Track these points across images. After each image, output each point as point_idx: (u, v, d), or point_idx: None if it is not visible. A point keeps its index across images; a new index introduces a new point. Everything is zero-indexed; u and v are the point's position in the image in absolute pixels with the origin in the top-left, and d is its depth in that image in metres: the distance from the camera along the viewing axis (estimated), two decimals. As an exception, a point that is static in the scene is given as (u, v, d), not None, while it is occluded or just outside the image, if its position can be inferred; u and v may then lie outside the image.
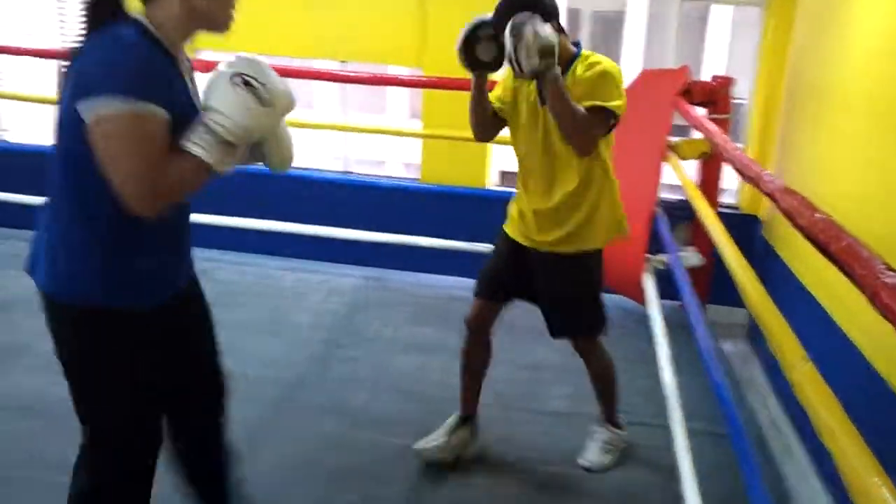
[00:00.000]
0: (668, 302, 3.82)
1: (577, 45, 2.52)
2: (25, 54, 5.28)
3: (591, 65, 2.39)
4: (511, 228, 2.71)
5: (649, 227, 3.82)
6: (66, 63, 1.52)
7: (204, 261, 4.81)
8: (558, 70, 2.23)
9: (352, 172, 5.30)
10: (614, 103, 2.33)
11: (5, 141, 5.60)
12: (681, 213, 4.10)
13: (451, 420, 2.86)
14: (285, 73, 5.00)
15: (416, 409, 3.18)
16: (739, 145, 4.71)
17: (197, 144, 1.50)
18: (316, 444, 2.92)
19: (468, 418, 2.87)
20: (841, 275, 1.27)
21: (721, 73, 4.39)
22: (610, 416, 2.92)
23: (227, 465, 2.07)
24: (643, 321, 3.62)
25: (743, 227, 4.21)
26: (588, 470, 2.83)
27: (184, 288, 1.85)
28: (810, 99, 3.61)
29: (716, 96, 4.09)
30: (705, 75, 4.29)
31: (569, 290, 2.65)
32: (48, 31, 5.66)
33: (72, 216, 1.56)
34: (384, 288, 4.62)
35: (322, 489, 2.68)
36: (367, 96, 12.57)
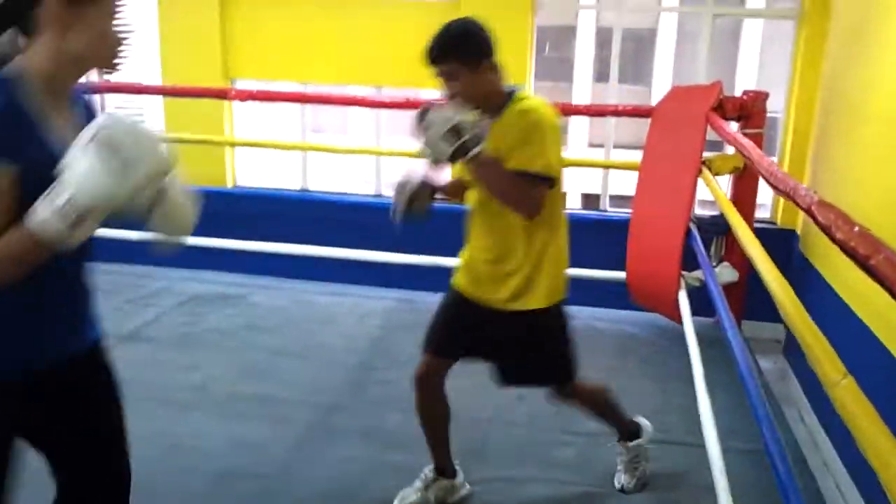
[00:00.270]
0: (704, 319, 3.77)
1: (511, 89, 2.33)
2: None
3: (523, 112, 2.19)
4: (460, 281, 2.55)
5: (683, 243, 3.78)
6: None
7: (237, 286, 4.92)
8: (477, 149, 2.08)
9: (384, 196, 5.34)
10: (538, 167, 2.14)
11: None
12: (715, 228, 4.06)
13: (427, 472, 2.71)
14: (320, 99, 5.10)
15: (452, 430, 3.16)
16: (773, 159, 4.66)
17: (36, 214, 1.27)
18: (351, 468, 2.92)
19: (444, 470, 2.71)
20: (880, 288, 1.25)
21: (754, 87, 4.35)
22: (623, 433, 2.82)
23: None
24: (679, 339, 3.58)
25: (779, 241, 4.15)
26: (622, 491, 2.79)
27: (81, 357, 1.63)
28: (845, 112, 3.56)
29: (749, 111, 4.05)
30: (738, 90, 4.26)
31: (531, 348, 2.46)
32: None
33: None
34: (416, 310, 4.62)
35: (357, 512, 2.68)
36: (400, 120, 12.71)
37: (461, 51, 2.19)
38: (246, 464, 2.89)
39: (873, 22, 3.28)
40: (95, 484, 1.72)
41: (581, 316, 4.46)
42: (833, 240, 1.48)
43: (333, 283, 4.96)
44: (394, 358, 3.90)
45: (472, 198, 2.43)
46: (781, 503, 1.92)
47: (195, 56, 5.12)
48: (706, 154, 3.96)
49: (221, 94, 4.95)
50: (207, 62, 5.08)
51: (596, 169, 5.22)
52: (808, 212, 1.68)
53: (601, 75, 13.81)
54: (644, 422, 2.87)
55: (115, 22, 1.46)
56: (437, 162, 2.16)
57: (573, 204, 13.98)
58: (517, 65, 4.78)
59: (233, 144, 5.28)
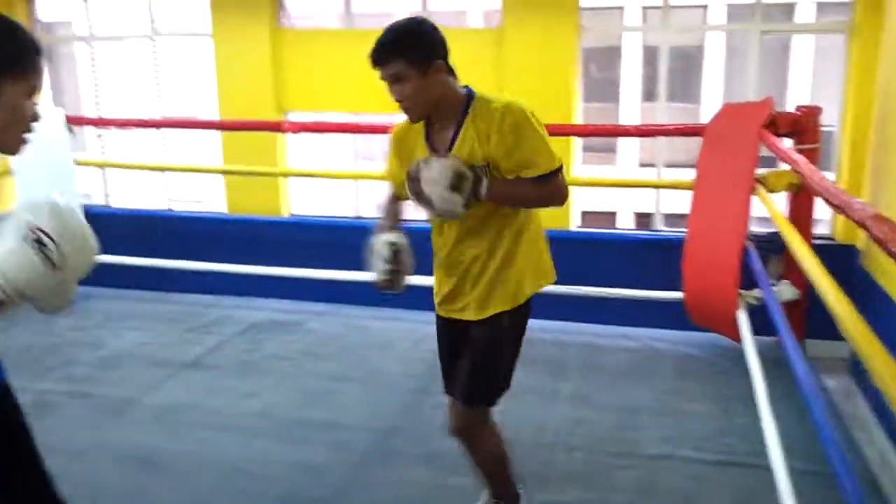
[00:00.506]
0: (765, 338, 3.70)
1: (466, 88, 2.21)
2: (126, 125, 5.66)
3: (500, 112, 2.06)
4: (437, 304, 2.45)
5: (741, 261, 3.74)
6: None
7: (294, 313, 5.02)
8: (484, 186, 2.03)
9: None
10: (548, 165, 2.07)
11: (110, 206, 5.97)
12: (773, 245, 3.99)
13: (486, 498, 2.58)
14: (370, 129, 5.20)
15: (512, 455, 3.16)
16: (829, 174, 4.58)
17: None
18: (410, 492, 2.95)
19: (502, 497, 2.59)
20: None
21: (806, 102, 4.30)
22: (500, 495, 2.53)
23: None
24: (738, 359, 3.53)
25: (840, 257, 4.06)
26: None
27: None
28: (903, 123, 3.49)
29: (802, 126, 4.00)
30: (790, 105, 4.21)
31: (477, 350, 2.32)
32: (146, 102, 6.04)
33: None
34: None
35: (418, 536, 2.69)
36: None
37: (409, 50, 2.02)
38: (306, 488, 2.93)
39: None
40: None
41: (639, 337, 4.44)
42: (889, 254, 1.47)
43: (387, 308, 5.01)
44: (450, 382, 3.91)
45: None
46: (852, 525, 1.88)
47: (250, 91, 5.27)
48: (761, 171, 3.91)
49: (275, 127, 5.09)
50: (261, 96, 5.24)
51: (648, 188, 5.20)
52: (863, 226, 1.67)
53: (649, 94, 13.80)
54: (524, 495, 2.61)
55: (30, 102, 1.40)
56: (452, 217, 2.10)
57: (626, 224, 13.88)
58: (564, 88, 4.80)
59: (287, 175, 5.40)
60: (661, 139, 5.17)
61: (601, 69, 14.37)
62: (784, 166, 3.96)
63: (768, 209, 3.46)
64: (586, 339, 4.44)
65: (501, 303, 2.25)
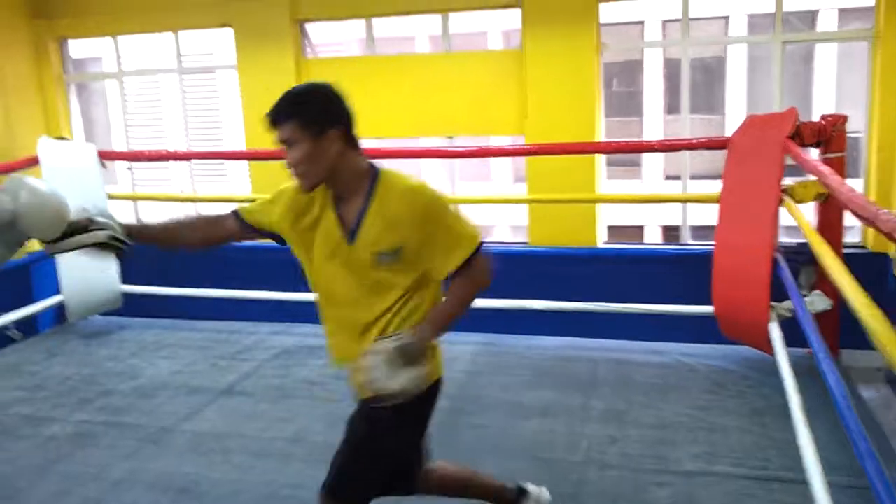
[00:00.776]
0: (797, 350, 3.66)
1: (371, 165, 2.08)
2: (156, 158, 5.78)
3: (408, 195, 1.97)
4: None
5: (771, 273, 3.71)
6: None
7: (324, 337, 5.01)
8: (416, 343, 1.93)
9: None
10: (470, 237, 1.98)
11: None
12: (803, 256, 3.96)
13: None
14: (395, 153, 5.26)
15: (546, 474, 3.15)
16: (857, 181, 4.54)
17: None
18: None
19: (502, 499, 2.56)
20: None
21: (831, 109, 4.27)
22: None
23: None
24: (772, 372, 3.49)
25: (872, 266, 4.02)
26: None
27: None
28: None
29: (828, 135, 3.97)
30: (815, 113, 4.19)
31: (352, 432, 2.20)
32: (174, 134, 6.16)
33: None
34: (501, 353, 4.65)
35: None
36: (472, 165, 12.88)
37: (302, 114, 1.94)
38: (343, 512, 2.94)
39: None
40: None
41: (669, 352, 4.41)
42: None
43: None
44: (483, 402, 3.92)
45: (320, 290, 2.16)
46: (892, 539, 1.86)
47: (276, 120, 5.36)
48: (788, 181, 3.89)
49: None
50: (287, 125, 5.33)
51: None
52: (892, 238, 1.66)
53: (672, 107, 13.76)
54: None
55: None
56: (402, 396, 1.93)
57: (653, 237, 13.80)
58: (586, 104, 4.83)
59: (314, 201, 5.47)
60: (687, 151, 5.16)
61: (623, 83, 14.38)
62: (812, 176, 3.94)
63: (797, 220, 3.44)
64: (616, 356, 4.42)
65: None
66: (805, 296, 3.79)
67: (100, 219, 2.08)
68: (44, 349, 4.92)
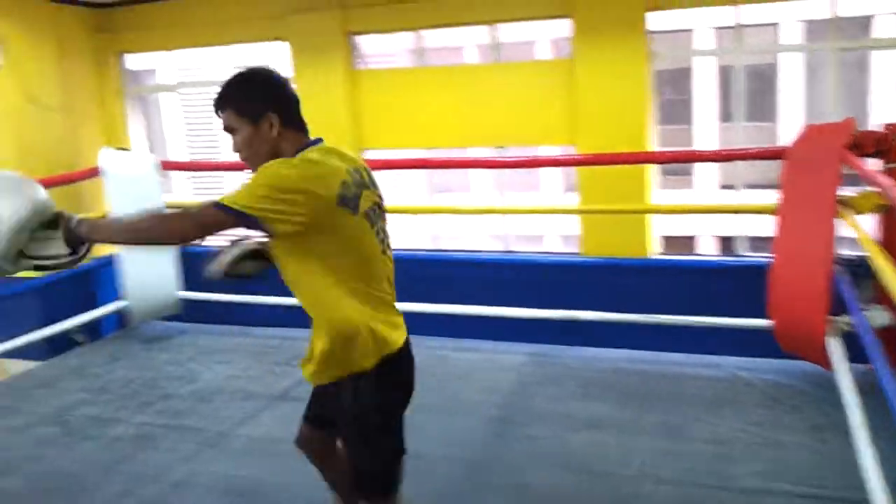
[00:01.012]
0: (857, 365, 3.58)
1: (314, 141, 2.10)
2: (214, 168, 5.92)
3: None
4: None
5: (829, 286, 3.64)
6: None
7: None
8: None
9: (513, 251, 5.44)
10: (229, 196, 1.87)
11: (199, 245, 6.22)
12: (863, 269, 3.87)
13: None
14: (444, 164, 5.31)
15: (599, 488, 3.15)
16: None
17: None
18: (497, 523, 2.96)
19: None
20: None
21: (888, 118, 4.17)
22: None
23: None
24: (830, 387, 3.42)
25: (936, 280, 3.90)
26: None
27: None
28: None
29: (888, 144, 3.88)
30: (872, 119, 4.09)
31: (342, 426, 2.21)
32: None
33: None
34: (551, 364, 4.64)
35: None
36: (521, 175, 12.88)
37: (236, 101, 2.00)
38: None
39: None
40: None
41: (724, 366, 4.35)
42: None
43: (466, 338, 5.06)
44: (534, 413, 3.92)
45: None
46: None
47: (328, 131, 5.41)
48: (848, 192, 3.81)
49: (354, 165, 5.24)
50: (339, 136, 5.40)
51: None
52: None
53: (724, 114, 13.55)
54: None
55: None
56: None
57: (707, 248, 13.60)
58: (637, 114, 4.80)
59: (366, 210, 5.54)
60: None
61: (675, 91, 14.22)
62: (872, 187, 3.85)
63: (856, 232, 3.37)
64: (670, 369, 4.38)
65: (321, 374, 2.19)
66: (865, 310, 3.70)
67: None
68: (107, 353, 5.08)
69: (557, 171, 14.67)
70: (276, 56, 5.88)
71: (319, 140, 2.11)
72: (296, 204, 1.86)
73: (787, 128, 12.10)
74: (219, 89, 2.04)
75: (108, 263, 5.40)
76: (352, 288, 2.04)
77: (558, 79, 4.98)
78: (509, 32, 5.34)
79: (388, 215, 2.21)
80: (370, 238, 2.08)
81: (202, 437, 3.81)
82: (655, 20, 4.79)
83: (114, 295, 5.33)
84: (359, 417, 2.12)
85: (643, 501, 3.03)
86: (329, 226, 1.95)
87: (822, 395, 3.79)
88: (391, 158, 5.59)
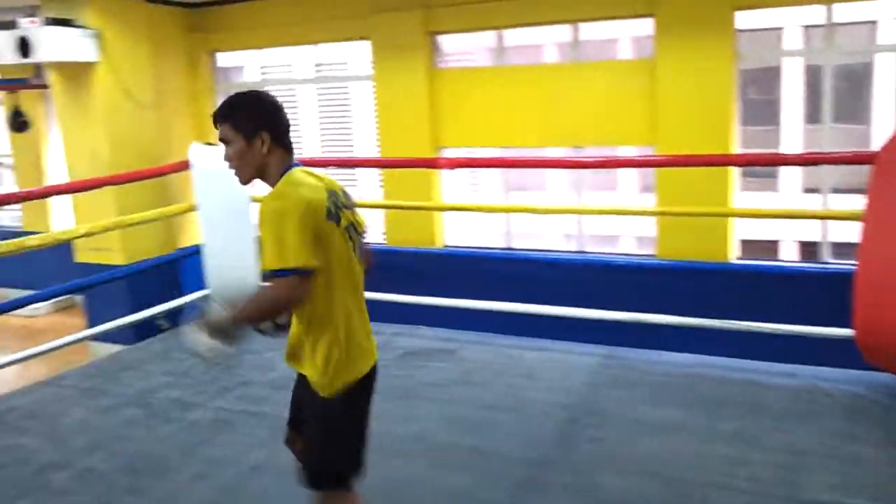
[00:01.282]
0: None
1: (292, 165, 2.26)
2: (330, 165, 6.08)
3: (268, 194, 2.17)
4: None
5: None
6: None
7: (447, 341, 5.16)
8: (230, 321, 2.12)
9: (587, 252, 5.40)
10: (271, 258, 2.07)
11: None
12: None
13: None
14: (521, 163, 5.32)
15: (667, 493, 3.11)
16: None
17: None
18: (563, 523, 2.95)
19: None
20: None
21: None
22: None
23: None
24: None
25: None
26: None
27: None
28: None
29: None
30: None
31: (309, 422, 2.43)
32: (311, 142, 6.46)
33: None
34: (622, 366, 4.59)
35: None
36: (598, 174, 12.73)
37: (233, 117, 2.20)
38: (463, 514, 3.01)
39: None
40: None
41: (804, 375, 4.23)
42: None
43: (537, 338, 5.06)
44: (604, 415, 3.89)
45: None
46: None
47: (408, 130, 5.54)
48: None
49: (431, 164, 5.31)
50: (418, 134, 5.48)
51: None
52: None
53: (812, 116, 13.05)
54: None
55: None
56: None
57: (789, 254, 13.15)
58: (721, 114, 4.70)
59: (442, 209, 5.60)
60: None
61: (760, 91, 13.79)
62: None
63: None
64: (747, 376, 4.27)
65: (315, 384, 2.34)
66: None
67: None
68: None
69: (633, 172, 14.44)
70: (354, 55, 6.01)
71: (299, 163, 2.29)
72: (307, 228, 2.09)
73: (881, 130, 11.58)
74: (220, 105, 2.25)
75: (193, 253, 5.62)
76: (344, 299, 2.26)
77: (639, 78, 4.92)
78: (589, 30, 5.30)
79: (363, 238, 2.38)
80: (351, 253, 2.29)
81: (278, 424, 3.89)
82: (743, 18, 4.68)
83: (198, 284, 5.54)
84: (335, 420, 2.36)
85: (713, 510, 2.98)
86: (325, 238, 2.16)
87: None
88: (468, 157, 5.64)
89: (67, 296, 6.89)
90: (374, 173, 6.06)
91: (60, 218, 7.22)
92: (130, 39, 5.70)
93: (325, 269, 2.16)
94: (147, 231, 5.66)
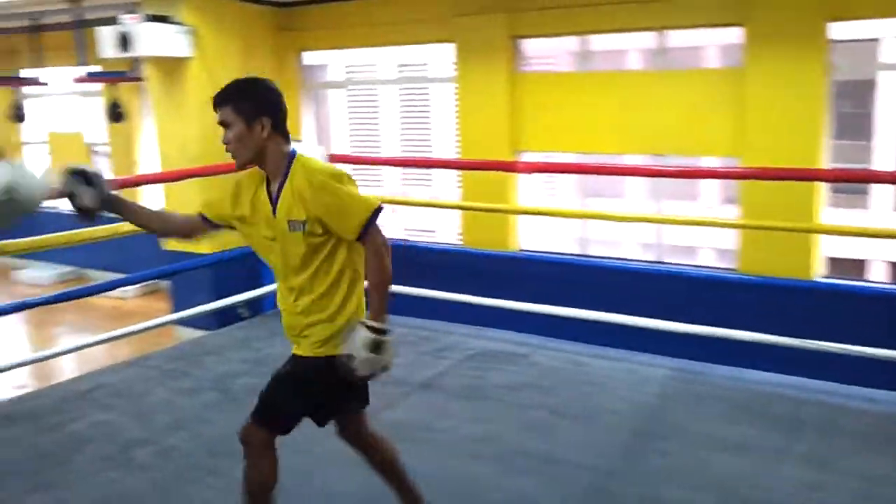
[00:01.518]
0: None
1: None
2: (376, 163, 6.19)
3: (306, 171, 2.28)
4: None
5: None
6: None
7: (519, 344, 5.18)
8: (385, 328, 2.26)
9: (663, 262, 5.33)
10: (363, 206, 2.26)
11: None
12: None
13: None
14: (600, 170, 5.27)
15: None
16: None
17: None
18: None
19: None
20: None
21: None
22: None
23: None
24: None
25: None
26: None
27: None
28: None
29: None
30: None
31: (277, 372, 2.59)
32: (391, 141, 6.57)
33: None
34: (695, 381, 4.51)
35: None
36: (678, 184, 12.48)
37: (236, 100, 2.25)
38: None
39: None
40: None
41: (886, 401, 4.13)
42: None
43: (609, 347, 5.02)
44: (674, 429, 3.84)
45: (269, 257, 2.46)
46: None
47: (487, 132, 5.57)
48: None
49: (509, 167, 5.33)
50: (497, 137, 5.51)
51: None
52: None
53: (909, 132, 12.43)
54: None
55: None
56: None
57: (878, 273, 12.63)
58: (811, 128, 4.56)
59: (518, 212, 5.61)
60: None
61: (854, 104, 13.27)
62: None
63: None
64: (824, 398, 4.15)
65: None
66: None
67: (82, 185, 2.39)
68: (267, 328, 5.46)
69: (715, 183, 14.10)
70: (439, 57, 6.07)
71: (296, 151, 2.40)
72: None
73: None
74: (223, 88, 2.31)
75: (274, 246, 5.79)
76: (354, 278, 2.42)
77: (726, 88, 4.82)
78: (674, 37, 5.23)
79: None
80: None
81: (348, 416, 4.02)
82: (837, 30, 4.53)
83: (277, 276, 5.71)
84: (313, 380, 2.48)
85: (785, 532, 2.91)
86: None
87: None
88: (547, 162, 5.65)
89: (154, 281, 7.19)
90: (451, 174, 6.12)
91: (151, 205, 7.53)
92: (223, 36, 5.91)
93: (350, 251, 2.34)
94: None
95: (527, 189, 5.75)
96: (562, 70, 6.41)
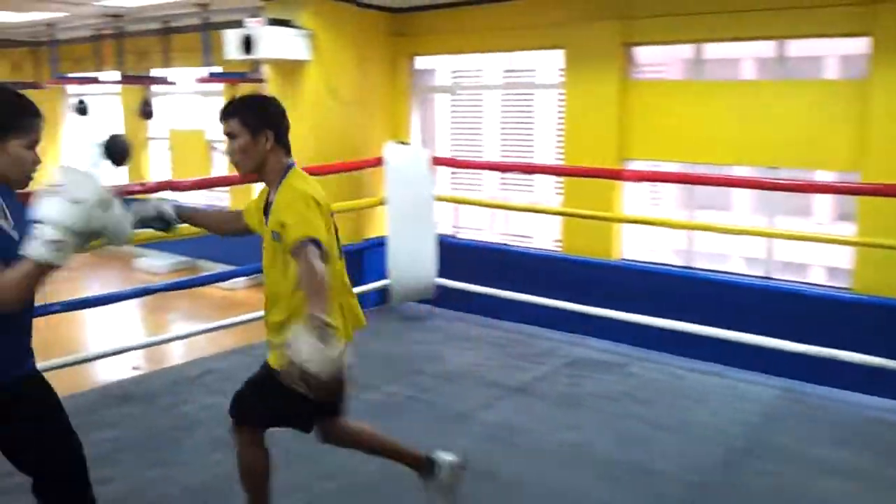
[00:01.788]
0: None
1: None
2: (480, 167, 6.26)
3: (285, 187, 2.42)
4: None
5: None
6: None
7: (616, 354, 5.14)
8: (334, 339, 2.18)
9: (771, 278, 5.16)
10: (300, 228, 2.31)
11: (457, 238, 6.62)
12: None
13: None
14: (709, 180, 5.15)
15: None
16: None
17: (29, 250, 1.79)
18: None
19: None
20: None
21: None
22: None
23: None
24: None
25: None
26: None
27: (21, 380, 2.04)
28: None
29: None
30: None
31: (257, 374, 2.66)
32: (493, 146, 6.60)
33: None
34: (803, 402, 4.36)
35: None
36: (791, 198, 11.99)
37: (243, 114, 2.40)
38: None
39: None
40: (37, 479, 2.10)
41: None
42: None
43: (707, 361, 4.91)
44: (778, 450, 3.73)
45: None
46: None
47: (594, 139, 5.54)
48: None
49: (615, 175, 5.28)
50: (604, 144, 5.47)
51: None
52: None
53: None
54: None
55: (31, 152, 1.93)
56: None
57: None
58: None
59: (622, 221, 5.55)
60: None
61: None
62: None
63: None
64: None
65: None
66: None
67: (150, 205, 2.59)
68: (368, 326, 5.60)
69: (829, 198, 13.46)
70: (545, 63, 6.08)
71: (295, 163, 2.54)
72: (324, 213, 2.44)
73: None
74: (229, 102, 2.48)
75: (377, 245, 5.95)
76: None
77: (847, 100, 4.63)
78: (792, 47, 5.05)
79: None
80: (337, 252, 2.58)
81: (444, 413, 4.11)
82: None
83: (378, 274, 5.86)
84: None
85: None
86: (329, 228, 2.48)
87: None
88: (654, 171, 5.56)
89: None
90: (552, 180, 6.11)
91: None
92: (339, 41, 6.10)
93: (329, 250, 2.42)
94: (339, 220, 6.04)
95: (631, 198, 5.68)
96: (674, 78, 6.27)
